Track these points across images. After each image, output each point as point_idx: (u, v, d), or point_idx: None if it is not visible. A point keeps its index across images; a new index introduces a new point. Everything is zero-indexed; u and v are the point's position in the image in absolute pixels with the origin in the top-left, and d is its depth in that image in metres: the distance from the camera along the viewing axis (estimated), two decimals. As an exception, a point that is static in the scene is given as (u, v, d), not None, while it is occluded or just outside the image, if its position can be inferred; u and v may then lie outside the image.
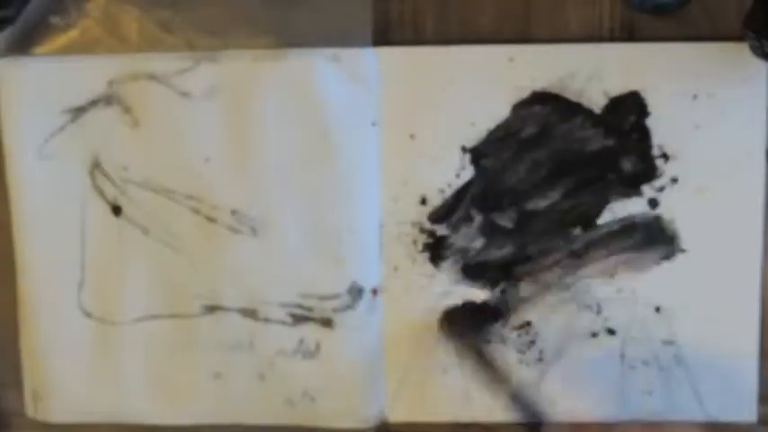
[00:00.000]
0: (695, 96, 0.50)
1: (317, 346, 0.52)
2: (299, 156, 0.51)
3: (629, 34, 0.50)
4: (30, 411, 0.54)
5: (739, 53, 0.49)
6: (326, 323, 0.52)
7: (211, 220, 0.52)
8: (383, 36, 0.51)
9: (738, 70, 0.50)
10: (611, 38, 0.50)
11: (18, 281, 0.53)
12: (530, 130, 0.51)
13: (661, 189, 0.51)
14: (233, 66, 0.51)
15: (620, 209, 0.51)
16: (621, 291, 0.52)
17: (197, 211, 0.52)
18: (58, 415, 0.54)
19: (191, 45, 0.51)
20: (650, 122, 0.51)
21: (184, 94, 0.51)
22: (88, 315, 0.53)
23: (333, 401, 0.52)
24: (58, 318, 0.53)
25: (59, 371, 0.53)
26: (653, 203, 0.51)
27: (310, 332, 0.52)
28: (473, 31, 0.51)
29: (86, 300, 0.53)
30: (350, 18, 0.50)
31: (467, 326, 0.52)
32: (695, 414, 0.52)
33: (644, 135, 0.51)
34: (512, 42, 0.50)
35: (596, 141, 0.51)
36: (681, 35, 0.50)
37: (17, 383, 0.54)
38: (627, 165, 0.51)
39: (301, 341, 0.52)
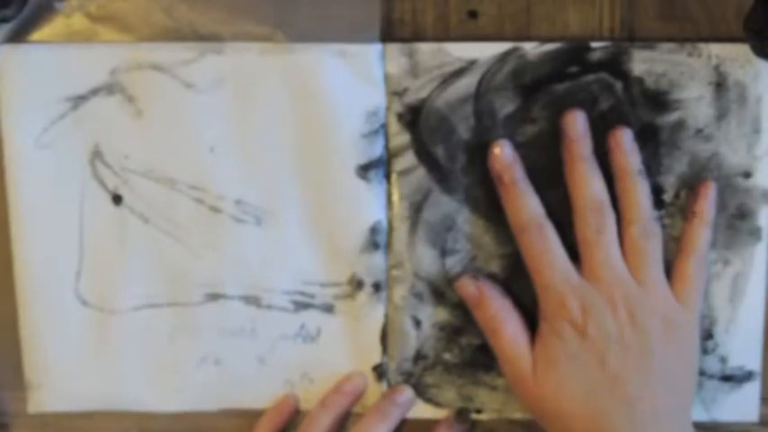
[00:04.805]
0: (700, 96, 0.51)
1: (318, 331, 0.53)
2: (304, 148, 0.51)
3: (629, 34, 0.51)
4: (27, 401, 0.53)
5: (740, 53, 0.50)
6: (328, 309, 0.53)
7: (216, 209, 0.52)
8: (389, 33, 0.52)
9: (740, 69, 0.51)
10: (611, 38, 0.51)
11: (15, 271, 0.52)
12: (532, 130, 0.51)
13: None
14: (239, 58, 0.51)
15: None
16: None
17: (201, 201, 0.52)
18: (55, 404, 0.53)
19: (196, 35, 0.51)
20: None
21: (189, 85, 0.51)
22: (85, 304, 0.52)
23: (332, 383, 0.53)
24: (55, 307, 0.52)
25: (57, 360, 0.52)
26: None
27: (312, 318, 0.53)
28: (473, 30, 0.51)
29: (84, 288, 0.52)
30: (357, 13, 0.51)
31: None
32: (698, 414, 0.52)
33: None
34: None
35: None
36: (681, 35, 0.51)
37: (17, 385, 0.53)
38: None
39: (302, 326, 0.53)
